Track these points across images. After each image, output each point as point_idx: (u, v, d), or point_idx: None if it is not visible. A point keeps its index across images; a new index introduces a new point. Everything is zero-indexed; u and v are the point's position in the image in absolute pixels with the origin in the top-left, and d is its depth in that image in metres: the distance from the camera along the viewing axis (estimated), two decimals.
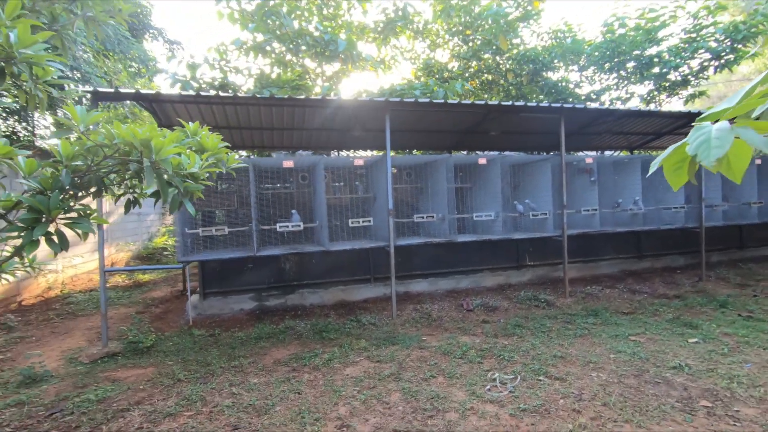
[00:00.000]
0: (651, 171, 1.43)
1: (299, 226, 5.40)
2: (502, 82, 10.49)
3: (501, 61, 10.47)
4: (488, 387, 3.45)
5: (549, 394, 3.29)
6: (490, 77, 10.72)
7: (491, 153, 9.81)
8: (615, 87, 11.74)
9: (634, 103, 12.70)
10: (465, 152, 10.91)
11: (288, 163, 5.36)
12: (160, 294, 8.08)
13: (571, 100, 11.52)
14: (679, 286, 6.99)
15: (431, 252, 7.20)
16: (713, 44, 10.06)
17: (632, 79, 11.82)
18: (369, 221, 5.67)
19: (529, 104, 6.09)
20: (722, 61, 10.27)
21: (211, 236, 6.16)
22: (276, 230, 5.65)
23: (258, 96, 5.19)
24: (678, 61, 10.42)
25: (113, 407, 3.36)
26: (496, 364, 3.94)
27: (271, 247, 5.90)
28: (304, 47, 7.25)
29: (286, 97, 5.15)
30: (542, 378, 3.58)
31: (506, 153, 9.01)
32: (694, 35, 10.45)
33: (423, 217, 5.98)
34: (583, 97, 11.75)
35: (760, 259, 8.80)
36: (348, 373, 3.89)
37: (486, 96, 10.93)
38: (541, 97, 11.15)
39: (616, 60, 10.97)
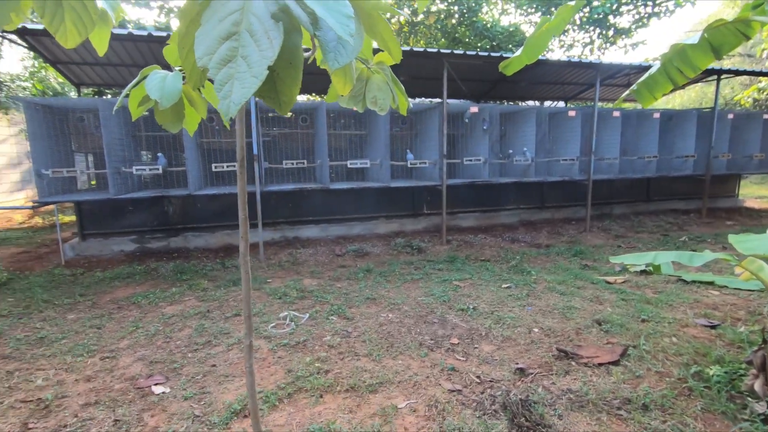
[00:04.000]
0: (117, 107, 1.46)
1: (158, 169, 5.38)
2: (422, 26, 10.07)
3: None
4: (273, 324, 3.67)
5: (323, 331, 3.52)
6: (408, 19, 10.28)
7: None
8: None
9: (577, 52, 12.38)
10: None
11: None
12: (66, 235, 8.14)
13: (510, 46, 11.17)
14: (560, 236, 7.25)
15: (324, 198, 7.28)
16: None
17: (575, 25, 11.42)
18: (233, 166, 5.67)
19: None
20: (657, 8, 9.93)
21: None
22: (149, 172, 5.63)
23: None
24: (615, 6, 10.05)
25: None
26: (309, 304, 4.16)
27: (143, 191, 5.91)
28: None
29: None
30: (332, 317, 3.81)
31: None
32: None
33: (293, 164, 5.98)
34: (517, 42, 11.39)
35: (660, 212, 9.08)
36: (165, 311, 4.08)
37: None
38: (476, 41, 10.77)
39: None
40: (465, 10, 9.65)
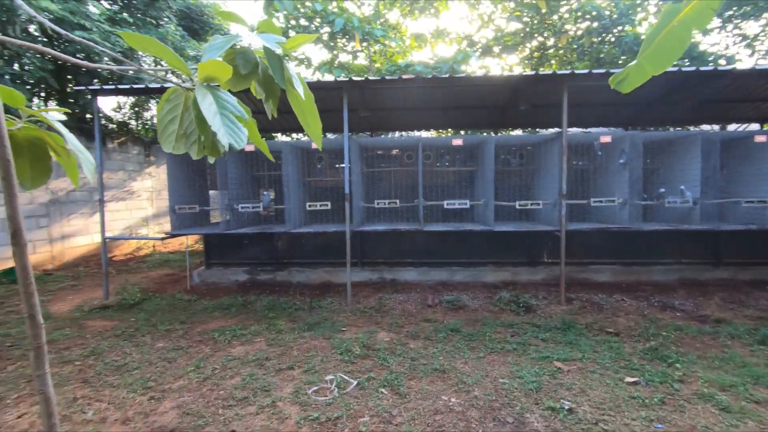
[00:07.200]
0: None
1: (259, 207, 5.67)
2: (558, 45, 8.86)
3: (549, 23, 8.83)
4: (317, 388, 3.25)
5: (364, 408, 2.95)
6: (541, 41, 9.17)
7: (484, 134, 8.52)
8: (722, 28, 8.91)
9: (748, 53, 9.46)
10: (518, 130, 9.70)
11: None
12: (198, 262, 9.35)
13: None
14: (743, 307, 5.21)
15: (425, 240, 6.76)
16: None
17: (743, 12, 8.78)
18: (327, 205, 5.62)
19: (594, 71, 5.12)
20: None
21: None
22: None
23: None
24: None
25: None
26: (367, 367, 3.65)
27: (248, 227, 6.33)
28: (306, 23, 7.31)
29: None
30: (383, 390, 3.20)
31: (500, 135, 7.75)
32: None
33: (385, 204, 5.66)
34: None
35: None
36: (232, 352, 4.07)
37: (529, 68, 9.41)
38: (624, 58, 9.08)
39: None
40: (608, 24, 8.21)
